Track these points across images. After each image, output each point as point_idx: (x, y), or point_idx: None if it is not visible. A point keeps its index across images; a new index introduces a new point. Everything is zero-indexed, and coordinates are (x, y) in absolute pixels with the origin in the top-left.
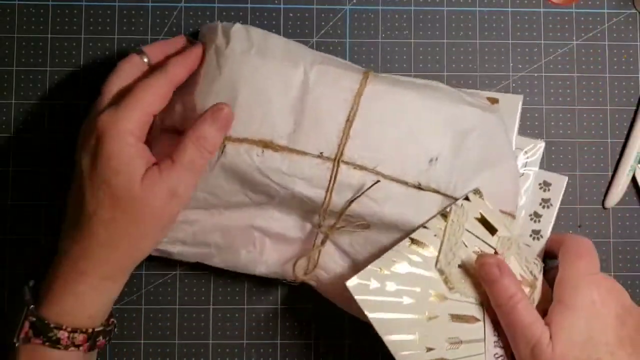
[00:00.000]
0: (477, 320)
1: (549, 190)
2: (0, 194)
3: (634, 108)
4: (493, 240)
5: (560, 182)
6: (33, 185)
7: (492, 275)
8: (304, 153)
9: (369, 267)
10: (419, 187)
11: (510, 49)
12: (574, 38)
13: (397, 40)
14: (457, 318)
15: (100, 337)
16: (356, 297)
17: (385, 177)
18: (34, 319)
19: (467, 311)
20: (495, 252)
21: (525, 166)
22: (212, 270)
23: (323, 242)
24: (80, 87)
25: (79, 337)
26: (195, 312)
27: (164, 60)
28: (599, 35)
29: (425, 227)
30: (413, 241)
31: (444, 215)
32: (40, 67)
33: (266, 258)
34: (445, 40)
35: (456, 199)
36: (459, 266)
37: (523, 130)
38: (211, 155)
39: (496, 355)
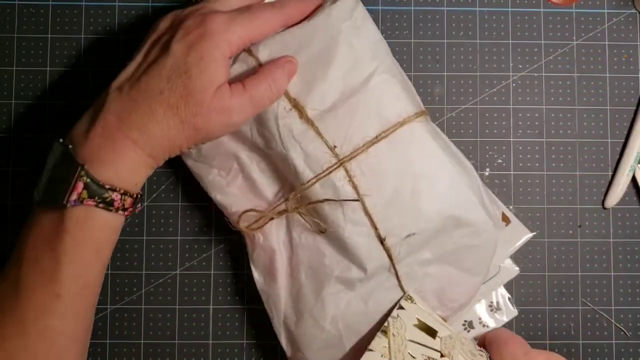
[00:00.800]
0: None
1: (495, 312)
2: (0, 194)
3: (634, 108)
4: (436, 343)
5: (509, 314)
6: (33, 185)
7: None
8: (321, 135)
9: None
10: (381, 241)
11: (510, 49)
12: (574, 38)
13: (397, 40)
14: None
15: (139, 204)
16: None
17: (365, 209)
18: (88, 179)
19: None
20: (442, 355)
21: (493, 276)
22: (212, 270)
23: (279, 215)
24: (80, 87)
25: (128, 201)
26: (195, 312)
27: None
28: (599, 35)
29: (370, 349)
30: None
31: (383, 331)
32: (40, 67)
33: (228, 191)
34: (445, 40)
35: (398, 277)
36: None
37: (523, 132)
38: (276, 99)
39: None
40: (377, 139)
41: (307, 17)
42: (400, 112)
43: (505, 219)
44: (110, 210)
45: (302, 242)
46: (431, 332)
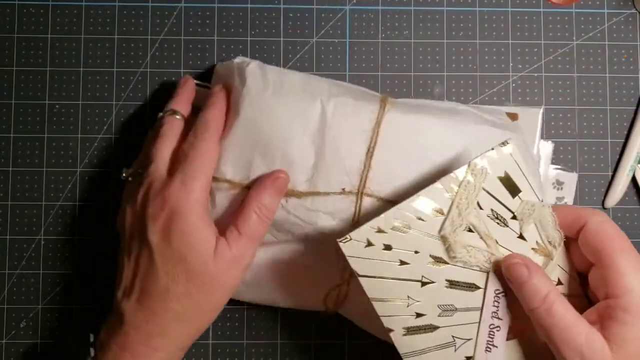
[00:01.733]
0: (478, 287)
1: (561, 189)
2: (0, 194)
3: (634, 108)
4: (514, 203)
5: (571, 180)
6: (33, 185)
7: (521, 277)
8: (326, 193)
9: (366, 225)
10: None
11: (510, 49)
12: (574, 38)
13: (397, 40)
14: (454, 285)
15: None
16: (347, 255)
17: None
18: None
19: (467, 278)
20: (514, 217)
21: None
22: None
23: (352, 274)
24: (80, 87)
25: None
26: None
27: (191, 113)
28: (599, 35)
29: (438, 184)
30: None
31: (458, 175)
32: (40, 67)
33: (294, 291)
34: (445, 40)
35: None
36: (469, 230)
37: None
38: (270, 221)
39: (492, 326)
40: (371, 152)
41: (228, 109)
42: (369, 116)
43: (514, 116)
44: None
45: None
46: (513, 191)
